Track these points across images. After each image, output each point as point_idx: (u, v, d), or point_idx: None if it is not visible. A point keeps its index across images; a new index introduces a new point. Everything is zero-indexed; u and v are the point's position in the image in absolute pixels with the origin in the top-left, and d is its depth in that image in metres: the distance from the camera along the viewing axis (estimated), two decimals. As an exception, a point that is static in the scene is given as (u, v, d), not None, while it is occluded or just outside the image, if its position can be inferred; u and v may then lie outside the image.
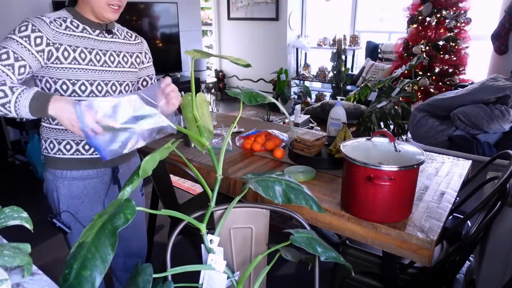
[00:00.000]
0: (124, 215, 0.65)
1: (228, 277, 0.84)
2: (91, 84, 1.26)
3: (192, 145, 1.96)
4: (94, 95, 1.27)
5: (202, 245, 0.83)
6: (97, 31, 1.29)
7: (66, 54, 1.21)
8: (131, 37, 1.43)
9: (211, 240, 0.83)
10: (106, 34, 1.32)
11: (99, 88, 1.28)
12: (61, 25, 1.22)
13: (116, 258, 1.62)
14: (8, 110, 1.05)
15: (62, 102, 1.03)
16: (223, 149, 0.83)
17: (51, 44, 1.18)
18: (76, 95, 1.24)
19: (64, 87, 1.22)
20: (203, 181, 0.83)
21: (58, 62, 1.20)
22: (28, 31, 1.15)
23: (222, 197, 1.61)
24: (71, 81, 1.23)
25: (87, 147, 1.31)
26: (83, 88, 1.25)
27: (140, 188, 1.54)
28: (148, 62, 1.49)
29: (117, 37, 1.36)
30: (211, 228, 0.86)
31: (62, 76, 1.22)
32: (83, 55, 1.24)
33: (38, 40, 1.16)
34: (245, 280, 0.86)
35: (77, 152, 1.30)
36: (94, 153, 1.32)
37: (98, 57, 1.27)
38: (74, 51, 1.22)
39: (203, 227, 0.80)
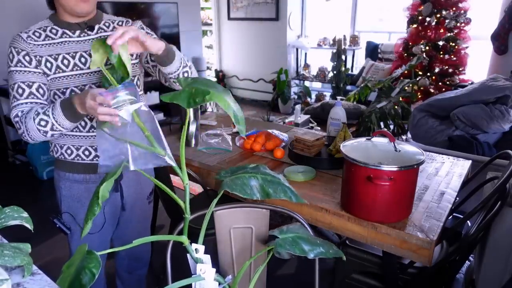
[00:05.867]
0: (89, 270, 0.65)
1: (220, 283, 0.82)
2: (81, 90, 1.23)
3: (192, 145, 1.96)
4: None
5: (189, 257, 0.82)
6: (78, 32, 1.24)
7: (49, 65, 1.19)
8: (122, 25, 1.34)
9: (196, 250, 0.80)
10: (89, 32, 1.26)
11: None
12: (39, 36, 1.20)
13: (120, 259, 1.63)
14: (57, 130, 1.14)
15: (82, 98, 1.03)
16: (182, 151, 0.75)
17: (35, 58, 1.18)
18: None
19: (56, 97, 1.22)
20: (173, 195, 0.78)
21: (46, 75, 1.20)
22: (15, 56, 1.18)
23: (223, 197, 1.61)
24: (60, 91, 1.21)
25: (87, 152, 1.29)
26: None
27: (147, 196, 1.52)
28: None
29: (103, 31, 1.29)
30: (211, 228, 0.85)
31: (52, 87, 1.21)
32: (66, 62, 1.21)
33: (28, 58, 1.18)
34: (244, 280, 0.85)
35: (78, 157, 1.29)
36: (94, 159, 1.30)
37: (83, 60, 1.23)
38: (55, 59, 1.20)
39: (184, 239, 0.77)
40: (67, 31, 1.23)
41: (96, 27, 1.28)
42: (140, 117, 0.83)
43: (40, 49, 1.19)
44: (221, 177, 0.88)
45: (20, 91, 1.17)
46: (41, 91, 1.19)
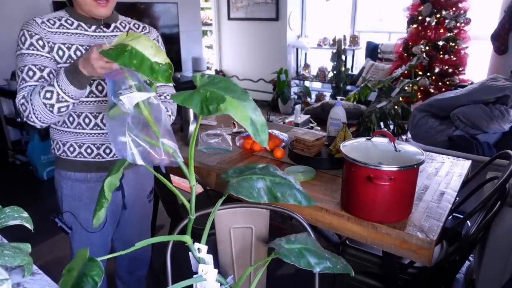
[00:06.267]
0: (92, 278, 0.64)
1: (221, 284, 0.82)
2: (90, 85, 1.22)
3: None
4: (94, 95, 1.24)
5: (191, 255, 0.81)
6: (94, 27, 1.25)
7: (61, 53, 1.18)
8: (137, 28, 1.36)
9: (198, 249, 0.79)
10: (105, 29, 1.27)
11: (100, 88, 1.25)
12: (54, 23, 1.20)
13: (120, 260, 1.62)
14: (63, 101, 1.09)
15: (86, 55, 1.04)
16: (191, 153, 0.70)
17: (47, 43, 1.17)
18: None
19: None
20: (177, 193, 0.77)
21: (56, 62, 1.19)
22: (28, 39, 1.15)
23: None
24: None
25: (89, 150, 1.29)
26: None
27: (147, 194, 1.52)
28: None
29: (119, 30, 1.30)
30: (211, 228, 0.85)
31: None
32: (78, 53, 1.20)
33: (41, 42, 1.16)
34: (244, 282, 0.85)
35: (80, 155, 1.29)
36: (97, 157, 1.30)
37: None
38: (68, 49, 1.19)
39: (187, 239, 0.76)
40: (83, 24, 1.24)
41: (112, 25, 1.29)
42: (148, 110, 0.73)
43: (53, 36, 1.18)
44: (228, 177, 0.83)
45: (30, 73, 1.14)
46: (52, 76, 1.17)
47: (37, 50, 1.15)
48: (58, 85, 1.08)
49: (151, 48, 0.71)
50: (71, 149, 1.29)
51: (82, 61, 1.05)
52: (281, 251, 0.80)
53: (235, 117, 0.62)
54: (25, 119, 1.14)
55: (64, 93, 1.08)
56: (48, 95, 1.08)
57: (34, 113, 1.11)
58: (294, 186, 0.82)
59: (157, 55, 0.71)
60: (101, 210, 0.73)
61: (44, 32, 1.17)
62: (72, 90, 1.08)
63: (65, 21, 1.22)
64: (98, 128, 1.27)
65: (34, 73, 1.14)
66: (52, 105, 1.10)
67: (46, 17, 1.20)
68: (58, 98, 1.09)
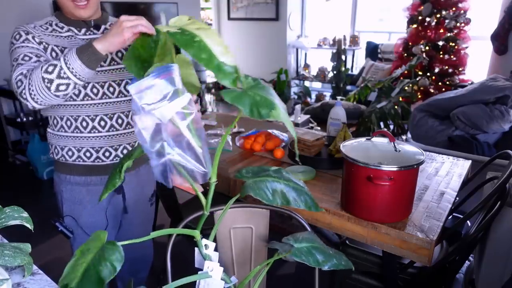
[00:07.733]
0: (111, 263, 0.58)
1: (226, 282, 0.82)
2: (85, 87, 1.22)
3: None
4: (89, 98, 1.23)
5: (196, 251, 0.81)
6: (83, 30, 1.25)
7: (54, 54, 1.18)
8: None
9: (206, 245, 0.79)
10: (95, 31, 1.27)
11: (94, 90, 1.23)
12: (47, 28, 1.21)
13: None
14: (65, 76, 1.03)
15: (103, 36, 1.01)
16: (218, 152, 0.68)
17: (41, 43, 1.17)
18: (71, 99, 1.21)
19: None
20: (197, 191, 0.75)
21: None
22: (23, 36, 1.16)
23: (222, 197, 1.62)
24: None
25: (88, 154, 1.28)
26: (76, 92, 1.21)
27: (149, 197, 1.51)
28: None
29: None
30: (209, 228, 0.85)
31: None
32: None
33: (36, 39, 1.17)
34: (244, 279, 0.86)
35: (79, 159, 1.29)
36: (96, 160, 1.29)
37: None
38: (61, 51, 1.19)
39: (197, 234, 0.76)
40: (73, 28, 1.24)
41: (102, 27, 1.29)
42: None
43: (47, 37, 1.19)
44: (243, 177, 0.83)
45: (26, 58, 1.11)
46: None
47: (32, 43, 1.15)
48: (64, 59, 1.02)
49: (220, 45, 0.63)
50: (70, 153, 1.28)
51: (101, 37, 1.01)
52: (292, 250, 0.80)
53: (283, 121, 0.60)
54: (18, 96, 1.07)
55: (68, 68, 1.02)
56: (50, 68, 1.02)
57: (29, 89, 1.04)
58: (306, 192, 0.83)
59: (225, 54, 0.63)
60: (112, 190, 0.70)
61: (38, 33, 1.18)
62: (78, 66, 1.02)
63: (56, 25, 1.23)
64: (96, 131, 1.27)
65: (30, 58, 1.12)
66: (51, 81, 1.02)
67: (38, 23, 1.21)
68: (59, 73, 1.02)
